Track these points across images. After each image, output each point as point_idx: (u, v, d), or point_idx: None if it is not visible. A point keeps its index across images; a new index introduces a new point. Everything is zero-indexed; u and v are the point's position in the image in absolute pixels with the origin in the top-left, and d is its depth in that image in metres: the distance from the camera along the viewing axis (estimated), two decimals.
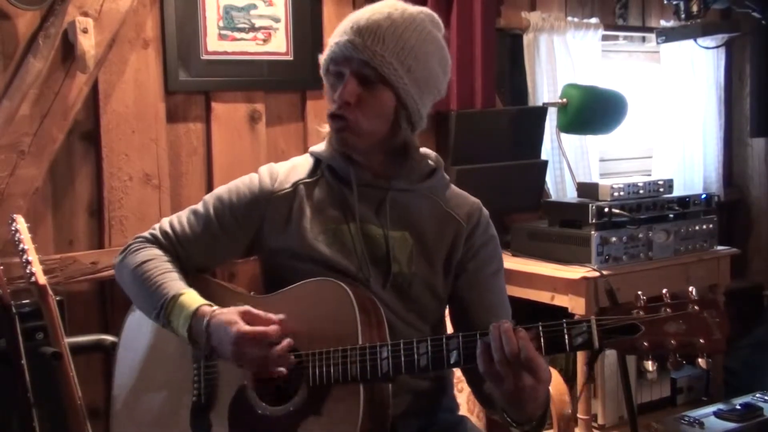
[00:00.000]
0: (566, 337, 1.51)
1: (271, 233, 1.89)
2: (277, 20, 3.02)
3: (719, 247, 3.41)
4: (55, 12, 2.53)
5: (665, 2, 3.79)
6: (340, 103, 1.77)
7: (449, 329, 1.97)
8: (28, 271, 2.20)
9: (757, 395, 3.26)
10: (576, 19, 3.80)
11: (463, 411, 2.09)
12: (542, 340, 1.52)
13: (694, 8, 3.55)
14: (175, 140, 2.89)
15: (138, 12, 2.75)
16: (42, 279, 2.20)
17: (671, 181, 3.33)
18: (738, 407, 3.14)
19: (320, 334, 1.73)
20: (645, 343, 1.46)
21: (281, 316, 1.72)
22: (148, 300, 1.83)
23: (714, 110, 4.36)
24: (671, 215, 3.26)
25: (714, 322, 1.44)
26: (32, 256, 2.22)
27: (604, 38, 3.94)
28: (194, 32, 2.87)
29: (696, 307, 1.46)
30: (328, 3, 3.11)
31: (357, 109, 1.76)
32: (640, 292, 1.50)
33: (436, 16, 1.87)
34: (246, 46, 2.96)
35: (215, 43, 2.90)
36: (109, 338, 2.52)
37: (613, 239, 3.06)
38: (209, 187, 2.91)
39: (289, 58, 3.04)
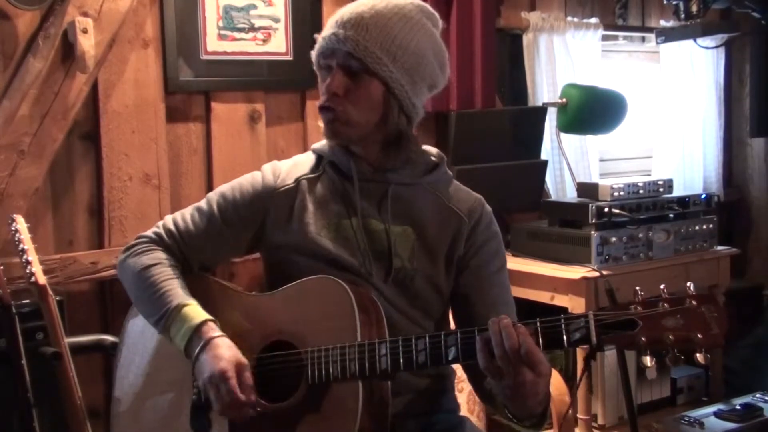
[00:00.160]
0: (564, 332, 1.51)
1: (273, 229, 1.90)
2: (276, 20, 3.02)
3: (719, 247, 3.41)
4: (55, 12, 2.54)
5: (665, 2, 3.79)
6: (328, 95, 1.80)
7: (453, 327, 1.97)
8: (28, 271, 2.20)
9: (757, 395, 3.26)
10: (576, 19, 3.80)
11: (463, 411, 2.09)
12: (540, 336, 1.52)
13: (694, 8, 3.55)
14: (175, 140, 2.89)
15: (138, 12, 2.75)
16: (42, 279, 2.20)
17: (671, 181, 3.33)
18: (738, 407, 3.14)
19: (319, 332, 1.73)
20: (643, 338, 1.46)
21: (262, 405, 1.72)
22: (150, 305, 1.83)
23: (714, 110, 4.36)
24: (671, 215, 3.26)
25: (712, 317, 1.44)
26: (32, 256, 2.22)
27: (604, 38, 3.95)
28: (194, 32, 2.87)
29: (694, 302, 1.46)
30: (327, 3, 3.12)
31: (345, 100, 1.79)
32: (638, 288, 1.50)
33: (428, 7, 1.88)
34: (246, 46, 2.97)
35: (215, 43, 2.91)
36: (109, 338, 2.52)
37: (613, 239, 3.06)
38: (209, 187, 2.91)
39: (289, 58, 3.05)
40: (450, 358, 1.61)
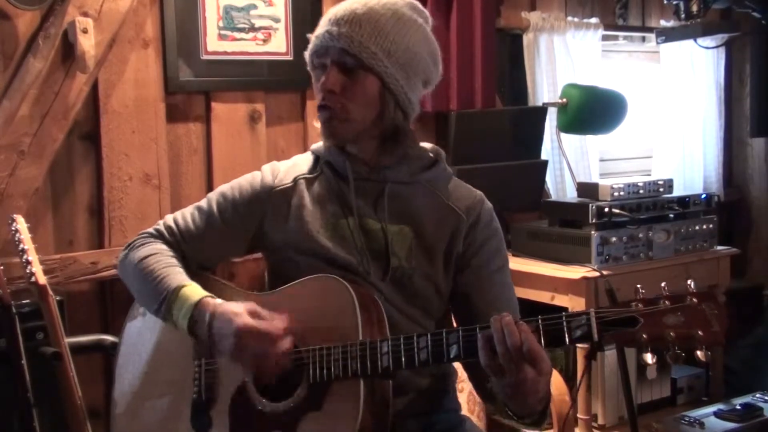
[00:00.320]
0: (565, 329, 1.51)
1: (272, 228, 1.90)
2: (276, 20, 3.02)
3: (719, 247, 3.41)
4: (55, 12, 2.54)
5: (665, 2, 3.80)
6: (324, 93, 1.79)
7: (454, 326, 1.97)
8: (28, 271, 2.20)
9: (757, 395, 3.26)
10: (576, 19, 3.81)
11: (463, 411, 2.08)
12: (542, 333, 1.52)
13: (694, 8, 3.55)
14: (175, 140, 2.89)
15: (138, 12, 2.75)
16: (42, 279, 2.20)
17: (671, 181, 3.33)
18: (738, 407, 3.14)
19: (321, 331, 1.72)
20: (644, 335, 1.46)
21: (285, 317, 1.72)
22: (150, 293, 1.83)
23: (714, 110, 4.36)
24: (671, 215, 3.25)
25: (712, 315, 1.44)
26: (32, 256, 2.22)
27: (604, 38, 3.95)
28: (194, 32, 2.88)
29: (694, 300, 1.46)
30: (327, 3, 3.11)
31: (342, 97, 1.78)
32: (639, 286, 1.50)
33: (419, 4, 1.89)
34: (246, 46, 2.97)
35: (215, 43, 2.91)
36: (109, 338, 2.52)
37: (613, 239, 3.05)
38: (209, 187, 2.91)
39: (289, 58, 3.05)
40: (452, 356, 1.60)
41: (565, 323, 1.51)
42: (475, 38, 3.33)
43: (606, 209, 3.03)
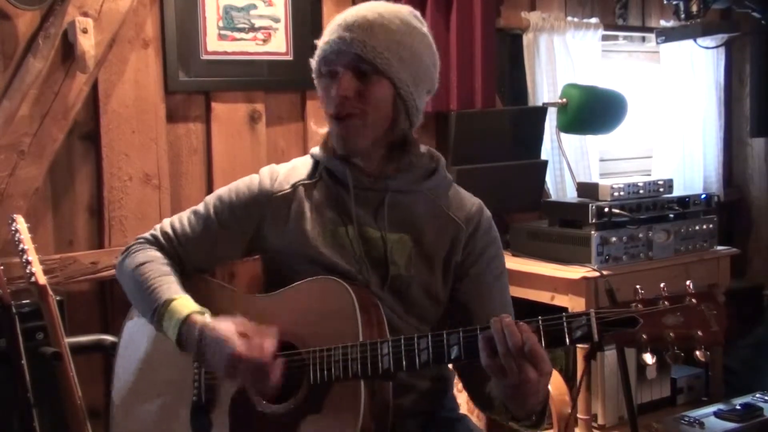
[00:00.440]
0: (566, 330, 1.51)
1: (270, 233, 1.89)
2: (276, 20, 3.02)
3: (719, 247, 3.41)
4: (55, 12, 2.54)
5: (665, 2, 3.80)
6: (339, 100, 1.75)
7: None
8: (28, 271, 2.20)
9: (757, 395, 3.26)
10: (576, 19, 3.81)
11: (462, 410, 2.08)
12: (542, 334, 1.52)
13: (694, 8, 3.55)
14: (175, 140, 2.89)
15: (138, 12, 2.75)
16: (42, 279, 2.20)
17: (671, 181, 3.33)
18: (738, 407, 3.14)
19: (321, 333, 1.72)
20: (643, 336, 1.46)
21: (275, 330, 1.71)
22: (143, 303, 1.84)
23: (714, 110, 4.36)
24: (671, 215, 3.25)
25: (712, 315, 1.44)
26: (32, 256, 2.22)
27: (604, 38, 3.95)
28: (194, 32, 2.87)
29: (694, 300, 1.46)
30: (327, 3, 3.12)
31: (358, 102, 1.75)
32: (638, 286, 1.51)
33: (417, 12, 1.87)
34: (246, 46, 2.97)
35: (215, 43, 2.91)
36: (109, 338, 2.52)
37: (613, 239, 3.06)
38: (209, 187, 2.91)
39: (289, 58, 3.05)
40: (452, 357, 1.60)
41: (565, 324, 1.51)
42: (475, 38, 3.33)
43: (606, 209, 3.03)
